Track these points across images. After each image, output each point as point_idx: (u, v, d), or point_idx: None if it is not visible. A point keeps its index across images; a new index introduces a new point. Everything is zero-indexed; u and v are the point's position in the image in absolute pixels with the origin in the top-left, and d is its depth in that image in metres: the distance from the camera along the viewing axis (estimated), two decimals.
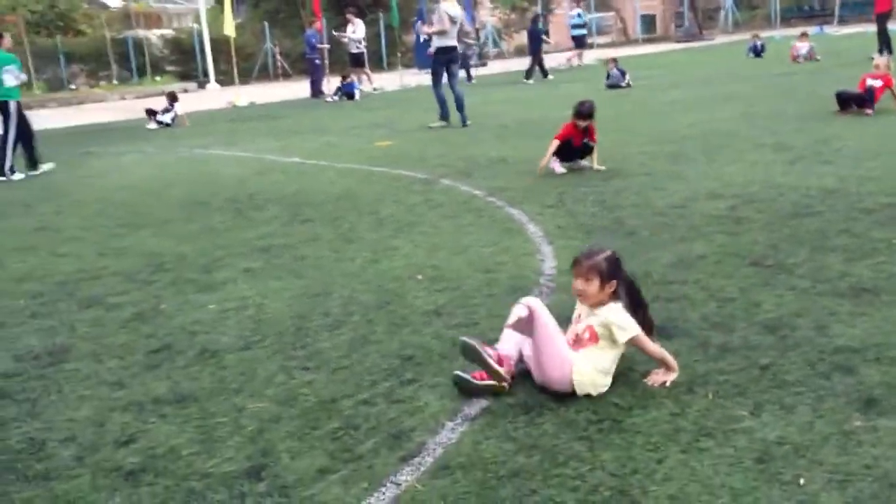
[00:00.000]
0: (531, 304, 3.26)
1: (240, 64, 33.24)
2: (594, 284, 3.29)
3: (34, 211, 8.15)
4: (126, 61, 34.37)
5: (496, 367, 3.28)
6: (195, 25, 35.37)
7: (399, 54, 29.85)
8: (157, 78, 33.34)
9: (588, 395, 3.21)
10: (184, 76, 34.49)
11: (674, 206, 6.30)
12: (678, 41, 40.98)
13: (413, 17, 34.79)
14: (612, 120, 11.37)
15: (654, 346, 3.33)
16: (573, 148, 8.01)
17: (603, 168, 7.97)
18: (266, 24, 36.34)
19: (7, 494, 2.84)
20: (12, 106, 10.58)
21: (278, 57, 34.59)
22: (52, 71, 32.22)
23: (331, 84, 21.90)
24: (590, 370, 3.22)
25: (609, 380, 3.28)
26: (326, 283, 5.00)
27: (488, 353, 3.29)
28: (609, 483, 2.63)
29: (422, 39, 16.21)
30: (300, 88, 22.45)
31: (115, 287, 5.25)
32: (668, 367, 3.30)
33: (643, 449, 2.81)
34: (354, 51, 21.81)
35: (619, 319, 3.26)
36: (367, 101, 19.96)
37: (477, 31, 34.91)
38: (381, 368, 3.69)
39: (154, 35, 38.16)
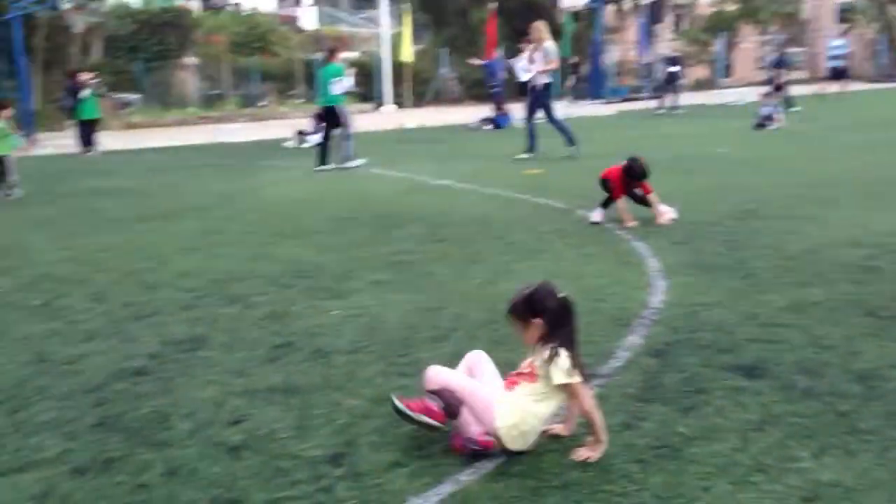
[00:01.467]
0: (432, 382, 3.19)
1: (415, 88, 34.58)
2: (518, 326, 3.18)
3: (207, 215, 9.03)
4: (312, 82, 36.61)
5: (430, 422, 3.18)
6: (375, 51, 37.18)
7: (569, 84, 30.07)
8: None
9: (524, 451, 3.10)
10: (363, 98, 36.27)
11: (805, 251, 6.17)
12: (872, 81, 38.72)
13: (588, 47, 35.01)
14: (773, 161, 11.10)
15: (590, 402, 3.13)
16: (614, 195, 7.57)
17: (674, 216, 7.59)
18: (443, 50, 37.60)
19: (132, 455, 3.33)
20: (338, 109, 12.93)
21: (453, 82, 35.70)
22: (246, 88, 34.83)
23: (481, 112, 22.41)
24: (515, 406, 3.09)
25: (548, 415, 3.13)
26: (442, 299, 5.33)
27: (418, 412, 3.17)
28: (650, 503, 2.77)
29: (525, 78, 16.72)
30: (469, 114, 23.12)
31: (258, 288, 5.81)
32: (596, 436, 3.10)
33: (693, 477, 2.92)
34: (526, 79, 22.19)
35: (557, 361, 3.05)
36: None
37: (650, 63, 34.53)
38: None
39: (339, 58, 40.38)
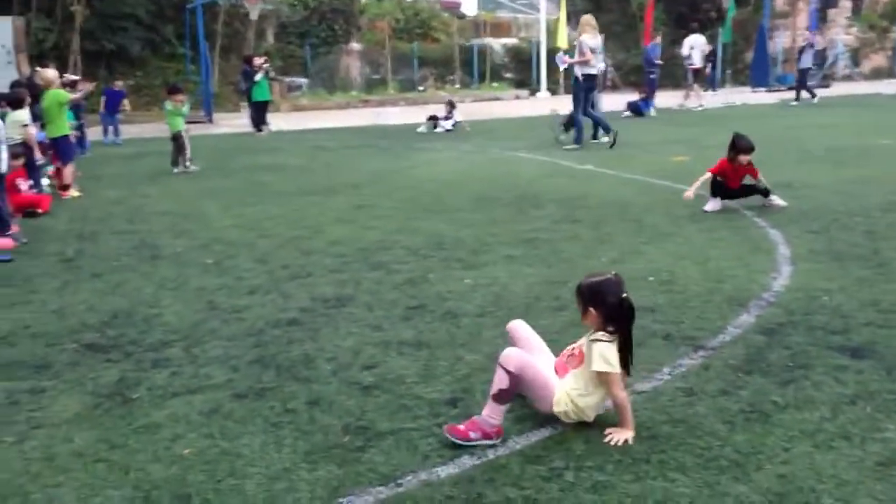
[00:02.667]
0: (511, 363, 3.25)
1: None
2: (580, 307, 3.33)
3: (360, 191, 9.70)
4: (469, 67, 37.25)
5: (485, 442, 3.25)
6: (535, 37, 37.32)
7: (730, 71, 29.15)
8: (494, 84, 35.70)
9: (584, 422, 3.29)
10: (519, 84, 36.55)
11: None
12: None
13: (754, 32, 33.68)
14: None
15: (622, 395, 3.25)
16: (729, 189, 7.61)
17: (784, 204, 7.59)
18: (602, 36, 37.27)
19: (281, 386, 3.90)
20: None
21: (609, 69, 35.36)
22: (406, 73, 35.95)
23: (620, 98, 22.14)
24: (566, 397, 3.29)
25: (595, 403, 3.29)
26: (567, 274, 5.65)
27: (470, 438, 3.23)
28: (730, 457, 3.03)
29: (562, 68, 17.30)
30: (622, 101, 22.95)
31: (399, 257, 6.34)
32: (624, 423, 3.24)
33: (778, 438, 3.15)
34: (699, 65, 21.86)
35: (601, 348, 3.21)
36: (684, 117, 19.98)
37: (824, 49, 32.76)
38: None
39: (497, 44, 40.78)
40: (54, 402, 3.80)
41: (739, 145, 7.45)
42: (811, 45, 23.35)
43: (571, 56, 14.14)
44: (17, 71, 20.01)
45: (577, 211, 7.94)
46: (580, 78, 13.54)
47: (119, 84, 18.42)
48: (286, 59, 30.79)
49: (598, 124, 13.98)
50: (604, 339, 3.23)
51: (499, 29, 46.90)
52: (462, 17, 43.93)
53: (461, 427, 3.26)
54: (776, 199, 7.63)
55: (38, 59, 19.33)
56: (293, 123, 20.73)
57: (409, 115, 23.37)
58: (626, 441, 3.18)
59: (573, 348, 3.45)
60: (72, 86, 12.77)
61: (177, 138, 11.99)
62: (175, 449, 3.31)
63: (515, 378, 3.25)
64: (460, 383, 3.86)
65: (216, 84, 25.97)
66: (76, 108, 12.93)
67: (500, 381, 3.26)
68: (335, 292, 5.45)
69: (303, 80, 30.68)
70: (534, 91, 33.36)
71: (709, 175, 7.64)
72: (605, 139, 13.66)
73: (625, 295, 3.24)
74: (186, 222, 8.03)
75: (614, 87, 34.54)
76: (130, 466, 3.18)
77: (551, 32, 31.84)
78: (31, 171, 9.27)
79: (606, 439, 3.20)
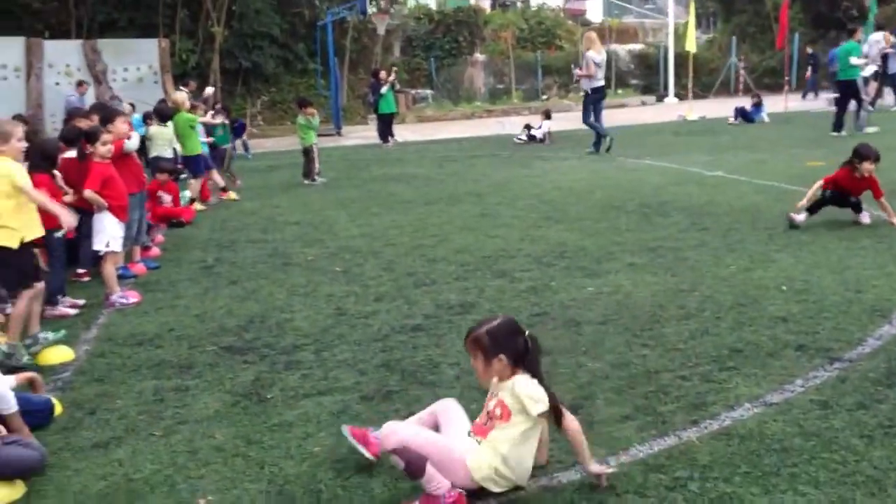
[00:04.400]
0: (389, 443, 2.95)
1: (700, 78, 33.56)
2: (479, 360, 3.03)
3: (483, 200, 9.77)
4: None
5: (363, 453, 3.22)
6: (662, 41, 36.56)
7: (806, 75, 27.58)
8: (619, 91, 35.20)
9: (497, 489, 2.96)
10: (645, 89, 35.87)
11: None
12: None
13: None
14: None
15: (575, 422, 2.98)
16: (845, 199, 7.14)
17: (868, 222, 7.06)
18: (734, 38, 36.10)
19: (407, 390, 4.01)
20: (855, 82, 15.09)
21: (741, 72, 34.20)
22: (529, 82, 35.98)
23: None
24: (489, 460, 2.94)
25: (529, 455, 2.98)
26: (694, 283, 5.53)
27: (358, 439, 3.23)
28: (867, 472, 2.91)
29: (574, 80, 17.80)
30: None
31: (523, 265, 6.37)
32: (585, 456, 2.97)
33: None
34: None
35: (528, 390, 2.93)
36: (820, 121, 19.07)
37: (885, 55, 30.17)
38: (709, 355, 4.19)
39: (623, 50, 40.18)
40: (197, 400, 4.04)
41: (863, 152, 7.02)
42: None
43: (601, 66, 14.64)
44: (162, 90, 21.30)
45: (705, 218, 7.75)
46: (589, 91, 14.53)
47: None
48: (412, 71, 31.41)
49: (598, 133, 14.64)
50: (523, 378, 2.97)
51: (625, 34, 46.18)
52: (587, 24, 43.53)
53: None
54: (864, 217, 7.15)
55: (180, 78, 20.49)
56: (418, 134, 21.12)
57: (533, 125, 23.37)
58: (612, 471, 2.99)
59: (488, 411, 3.06)
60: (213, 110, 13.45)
61: (308, 152, 12.44)
62: (306, 447, 3.47)
63: (405, 452, 2.90)
64: (582, 390, 3.86)
65: (345, 97, 26.79)
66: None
67: (397, 463, 2.95)
68: (459, 299, 5.54)
69: (428, 92, 31.20)
70: (661, 97, 32.65)
71: (820, 183, 7.24)
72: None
73: (526, 332, 3.04)
74: (316, 232, 8.34)
75: (747, 91, 33.35)
76: (265, 462, 3.35)
77: (680, 36, 31.15)
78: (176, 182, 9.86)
79: (595, 472, 2.96)
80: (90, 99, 18.03)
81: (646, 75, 38.17)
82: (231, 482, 3.19)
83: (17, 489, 3.24)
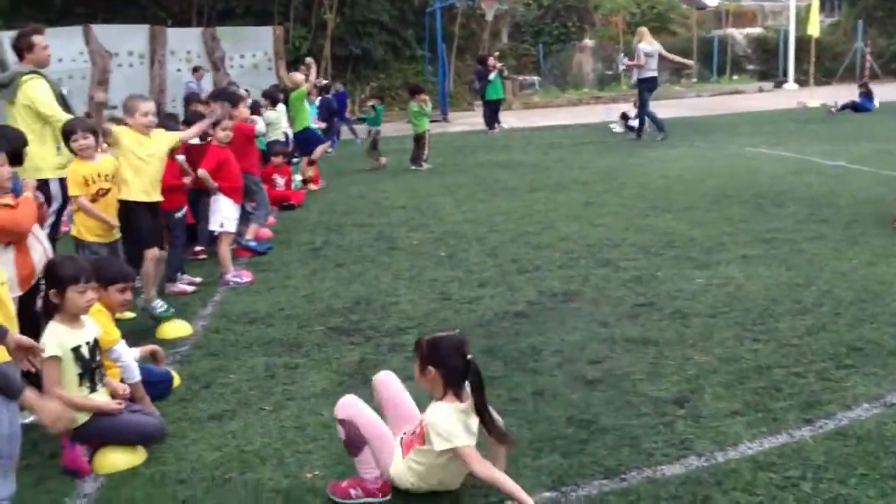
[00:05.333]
0: (340, 411, 2.99)
1: (823, 64, 32.04)
2: (416, 366, 2.93)
3: (589, 188, 9.64)
4: (708, 60, 35.72)
5: (370, 500, 2.97)
6: (783, 25, 35.07)
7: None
8: (734, 77, 34.02)
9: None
10: (763, 75, 34.51)
11: None
12: None
13: None
14: None
15: (485, 471, 2.75)
16: None
17: None
18: (860, 22, 34.29)
19: (508, 376, 4.02)
20: None
21: (867, 58, 32.48)
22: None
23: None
24: (405, 477, 2.92)
25: (448, 481, 2.89)
26: (810, 277, 5.31)
27: (351, 496, 2.96)
28: None
29: (621, 69, 17.37)
30: (885, 92, 20.94)
31: (628, 254, 6.26)
32: (517, 497, 2.73)
33: None
34: None
35: (435, 420, 2.77)
36: None
37: None
38: (825, 352, 4.03)
39: (740, 34, 38.76)
40: (305, 378, 4.17)
41: None
42: None
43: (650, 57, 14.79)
44: (276, 76, 21.89)
45: (824, 210, 7.41)
46: (641, 80, 14.87)
47: (339, 87, 19.81)
48: (519, 57, 31.22)
49: (642, 124, 15.06)
50: (443, 408, 2.82)
51: (742, 18, 44.60)
52: (702, 7, 42.19)
53: (343, 484, 2.98)
54: None
55: (293, 64, 21.00)
56: (525, 121, 21.00)
57: (630, 114, 22.89)
58: None
59: (415, 424, 2.98)
60: (325, 90, 13.73)
61: (420, 138, 12.55)
62: None
63: (350, 427, 2.93)
64: (689, 384, 3.78)
65: (452, 84, 26.90)
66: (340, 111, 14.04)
67: (339, 432, 3.01)
68: (562, 287, 5.49)
69: (535, 78, 30.96)
70: (780, 83, 31.36)
71: None
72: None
73: (469, 357, 2.85)
74: (422, 216, 8.43)
75: (873, 77, 31.68)
76: None
77: (802, 20, 29.81)
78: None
79: None
80: (208, 85, 18.67)
81: (763, 60, 36.75)
82: (336, 458, 3.27)
83: (139, 455, 3.42)
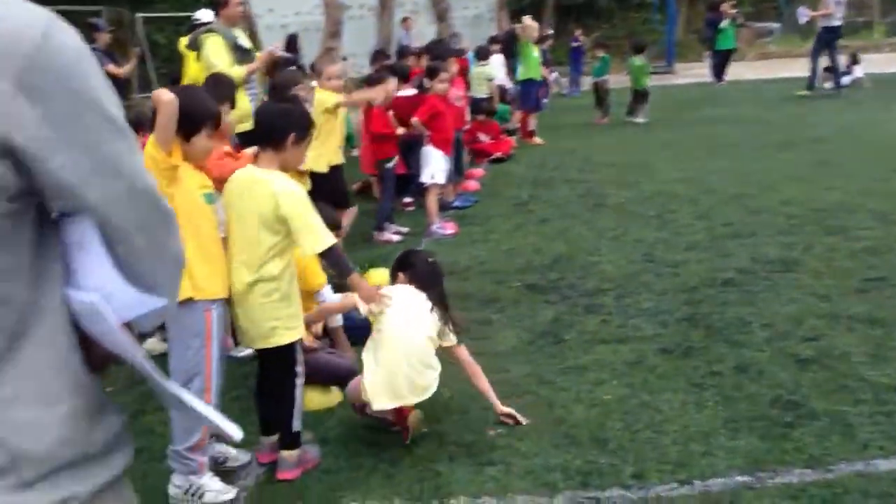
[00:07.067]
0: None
1: None
2: (391, 276, 3.46)
3: (821, 147, 8.82)
4: None
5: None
6: None
7: None
8: None
9: None
10: None
11: None
12: None
13: None
14: None
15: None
16: None
17: None
18: None
19: (709, 347, 3.77)
20: None
21: None
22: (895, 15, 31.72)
23: None
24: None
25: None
26: None
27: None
28: None
29: (802, 21, 15.80)
30: None
31: (861, 222, 5.66)
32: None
33: None
34: None
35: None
36: None
37: None
38: None
39: None
40: (497, 334, 4.16)
41: None
42: None
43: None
44: (497, 27, 21.90)
45: None
46: (826, 29, 13.88)
47: (579, 34, 19.23)
48: (758, 3, 29.10)
49: (814, 76, 14.13)
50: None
51: None
52: None
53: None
54: None
55: (517, 14, 20.86)
56: (758, 72, 19.61)
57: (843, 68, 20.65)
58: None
59: None
60: (542, 41, 13.54)
61: (641, 93, 12.10)
62: (597, 393, 3.42)
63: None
64: None
65: (680, 33, 25.64)
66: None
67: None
68: (780, 255, 5.08)
69: (775, 26, 28.77)
70: None
71: None
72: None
73: (431, 259, 3.39)
74: (632, 173, 8.11)
75: None
76: (555, 403, 3.37)
77: None
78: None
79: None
80: (422, 36, 18.70)
81: None
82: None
83: (334, 396, 3.58)
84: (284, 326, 2.85)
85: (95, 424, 0.99)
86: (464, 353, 3.25)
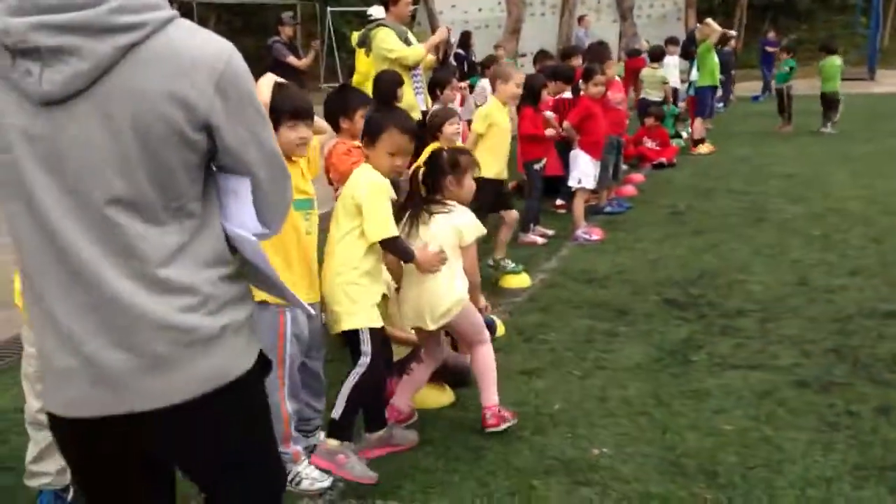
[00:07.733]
0: None
1: None
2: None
3: None
4: None
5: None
6: None
7: None
8: None
9: None
10: None
11: None
12: None
13: None
14: None
15: None
16: None
17: None
18: None
19: (851, 384, 3.49)
20: None
21: None
22: None
23: None
24: None
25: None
26: None
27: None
28: None
29: None
30: None
31: None
32: None
33: None
34: None
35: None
36: None
37: None
38: None
39: None
40: (622, 348, 4.02)
41: None
42: None
43: None
44: (683, 27, 21.07)
45: None
46: None
47: (772, 35, 18.11)
48: None
49: None
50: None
51: None
52: None
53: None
54: None
55: (705, 13, 19.99)
56: None
57: None
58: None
59: None
60: (723, 42, 12.90)
61: (835, 100, 11.29)
62: (716, 422, 3.23)
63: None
64: None
65: (886, 38, 23.67)
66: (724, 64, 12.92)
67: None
68: None
69: None
70: None
71: None
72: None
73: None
74: (806, 188, 7.59)
75: None
76: (668, 427, 3.21)
77: None
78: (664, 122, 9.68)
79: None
80: (604, 35, 18.19)
81: None
82: (629, 439, 3.12)
83: (448, 395, 3.59)
84: (346, 312, 2.93)
85: (240, 281, 1.56)
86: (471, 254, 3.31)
